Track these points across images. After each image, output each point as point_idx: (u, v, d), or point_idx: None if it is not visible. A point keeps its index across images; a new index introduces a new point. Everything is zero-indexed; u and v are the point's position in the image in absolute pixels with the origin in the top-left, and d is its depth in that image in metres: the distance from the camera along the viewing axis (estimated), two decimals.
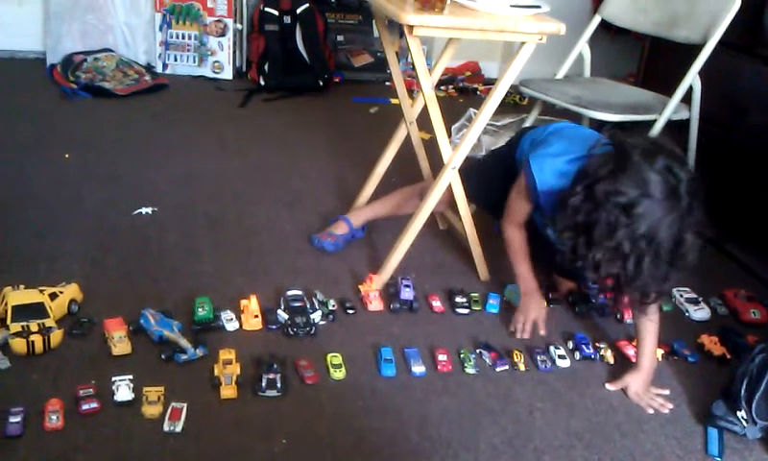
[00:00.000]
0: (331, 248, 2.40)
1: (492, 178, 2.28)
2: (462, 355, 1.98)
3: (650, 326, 1.94)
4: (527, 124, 2.83)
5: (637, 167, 1.68)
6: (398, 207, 2.44)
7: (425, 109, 2.14)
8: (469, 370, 1.94)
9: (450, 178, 2.17)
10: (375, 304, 2.15)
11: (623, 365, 2.02)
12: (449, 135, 2.43)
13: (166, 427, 1.62)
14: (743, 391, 1.79)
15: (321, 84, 4.12)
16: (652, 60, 3.49)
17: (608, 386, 1.95)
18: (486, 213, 2.46)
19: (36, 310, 1.85)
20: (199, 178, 2.88)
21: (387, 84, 4.35)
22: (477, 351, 2.01)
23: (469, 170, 2.27)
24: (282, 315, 2.01)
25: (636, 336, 1.99)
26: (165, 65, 4.13)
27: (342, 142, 3.42)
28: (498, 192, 2.18)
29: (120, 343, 1.83)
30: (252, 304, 2.02)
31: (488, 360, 1.98)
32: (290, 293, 2.08)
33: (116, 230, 2.42)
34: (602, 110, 2.48)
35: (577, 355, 2.05)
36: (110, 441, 1.58)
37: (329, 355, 1.91)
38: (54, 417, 1.59)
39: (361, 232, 2.49)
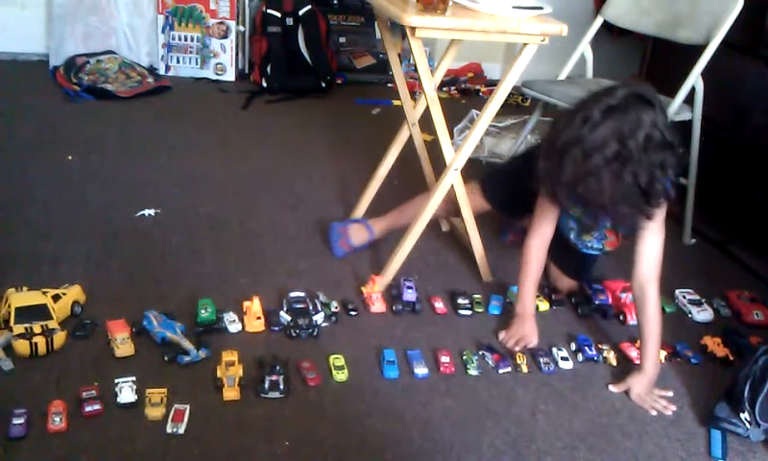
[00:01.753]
0: (341, 254, 2.40)
1: (518, 179, 2.23)
2: (464, 357, 1.98)
3: (653, 327, 1.94)
4: (529, 125, 2.82)
5: (589, 99, 1.78)
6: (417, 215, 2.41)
7: (428, 110, 2.14)
8: (472, 371, 1.94)
9: (453, 179, 2.17)
10: (378, 306, 2.16)
11: (626, 367, 2.02)
12: (452, 137, 2.43)
13: (169, 429, 1.62)
14: (746, 393, 1.79)
15: (323, 85, 4.12)
16: (654, 61, 3.49)
17: (611, 388, 1.94)
18: (506, 216, 2.44)
19: (39, 312, 1.85)
20: (201, 179, 2.89)
21: (389, 85, 4.34)
22: (480, 352, 2.01)
23: (493, 173, 2.25)
24: (285, 317, 2.01)
25: (639, 338, 1.98)
26: (168, 67, 4.13)
27: (344, 144, 3.43)
28: (522, 194, 2.16)
29: (123, 344, 1.84)
30: (254, 306, 2.03)
31: (490, 362, 1.98)
32: (292, 295, 2.09)
33: (119, 231, 2.42)
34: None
35: (580, 357, 2.05)
36: (113, 443, 1.58)
37: (332, 357, 1.91)
38: (57, 419, 1.59)
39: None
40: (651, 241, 1.92)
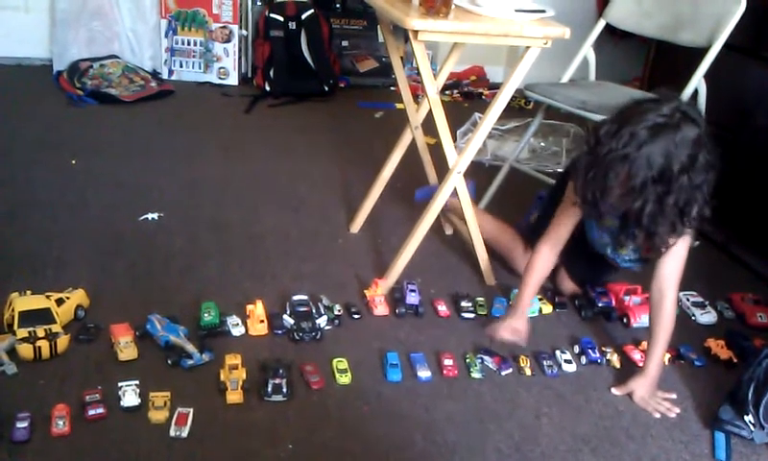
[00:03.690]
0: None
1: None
2: (468, 360, 1.98)
3: (665, 331, 1.93)
4: (532, 128, 2.82)
5: (634, 112, 1.77)
6: (495, 231, 2.42)
7: (430, 113, 2.14)
8: (475, 374, 1.93)
9: (456, 182, 2.17)
10: (381, 309, 2.16)
11: (629, 369, 2.01)
12: (454, 140, 2.42)
13: (172, 432, 1.62)
14: (750, 395, 1.79)
15: (326, 89, 4.12)
16: (657, 63, 3.49)
17: (613, 391, 1.94)
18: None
19: (43, 316, 1.86)
20: (204, 183, 2.89)
21: (392, 88, 4.35)
22: (478, 356, 2.00)
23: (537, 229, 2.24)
24: (288, 320, 2.02)
25: (648, 339, 1.98)
26: (171, 71, 4.15)
27: (347, 147, 3.43)
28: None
29: (126, 348, 1.84)
30: (257, 309, 2.03)
31: (491, 365, 1.97)
32: (296, 298, 2.09)
33: (122, 235, 2.43)
34: (608, 114, 2.47)
35: (583, 360, 2.05)
36: (117, 446, 1.58)
37: (335, 360, 1.91)
38: (60, 422, 1.59)
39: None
40: (677, 246, 1.92)
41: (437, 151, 2.29)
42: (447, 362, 1.95)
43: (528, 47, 2.03)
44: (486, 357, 1.99)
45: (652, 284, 1.96)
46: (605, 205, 1.84)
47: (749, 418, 1.78)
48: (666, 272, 1.94)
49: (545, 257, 2.10)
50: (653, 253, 1.93)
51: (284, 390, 1.76)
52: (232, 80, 4.18)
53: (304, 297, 2.10)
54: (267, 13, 4.08)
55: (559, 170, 3.21)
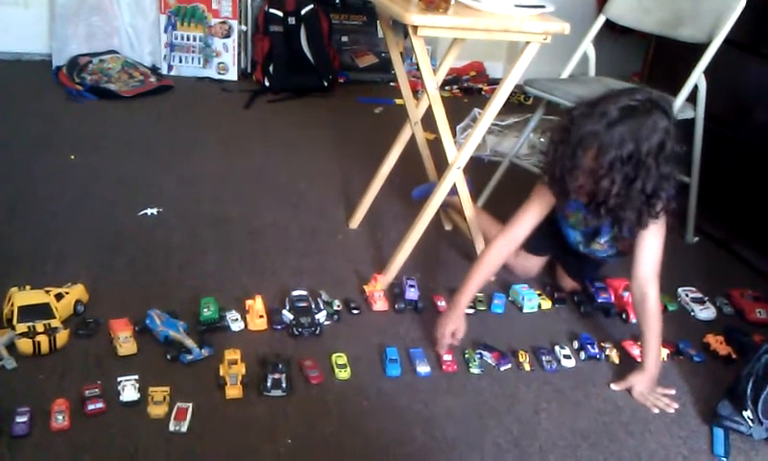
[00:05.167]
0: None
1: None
2: (467, 355, 1.98)
3: (654, 326, 1.93)
4: (532, 124, 2.82)
5: (608, 96, 1.81)
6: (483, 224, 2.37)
7: (430, 109, 2.14)
8: (474, 370, 1.94)
9: (455, 178, 2.17)
10: (380, 305, 2.16)
11: (628, 365, 2.02)
12: (454, 135, 2.42)
13: (172, 427, 1.62)
14: (749, 391, 1.79)
15: (325, 84, 4.12)
16: (657, 59, 3.49)
17: (612, 386, 1.94)
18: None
19: (42, 311, 1.86)
20: (204, 178, 2.89)
21: (392, 84, 4.35)
22: (477, 352, 2.00)
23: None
24: (287, 315, 2.02)
25: (640, 337, 1.98)
26: (170, 67, 4.14)
27: (346, 143, 3.43)
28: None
29: (126, 343, 1.84)
30: (257, 305, 2.03)
31: (490, 360, 1.97)
32: (295, 293, 2.09)
33: (122, 230, 2.43)
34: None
35: (582, 355, 2.05)
36: (116, 441, 1.58)
37: (334, 355, 1.91)
38: (60, 417, 1.59)
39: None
40: (651, 241, 1.93)
41: (436, 146, 2.28)
42: (447, 357, 1.95)
43: (528, 42, 2.02)
44: (485, 353, 1.99)
45: (632, 285, 1.97)
46: (572, 182, 1.85)
47: (747, 413, 1.79)
48: (644, 268, 1.94)
49: (498, 255, 2.07)
50: (624, 243, 1.96)
51: (283, 385, 1.76)
52: (232, 75, 4.18)
53: (304, 292, 2.10)
54: (266, 9, 4.08)
55: None
